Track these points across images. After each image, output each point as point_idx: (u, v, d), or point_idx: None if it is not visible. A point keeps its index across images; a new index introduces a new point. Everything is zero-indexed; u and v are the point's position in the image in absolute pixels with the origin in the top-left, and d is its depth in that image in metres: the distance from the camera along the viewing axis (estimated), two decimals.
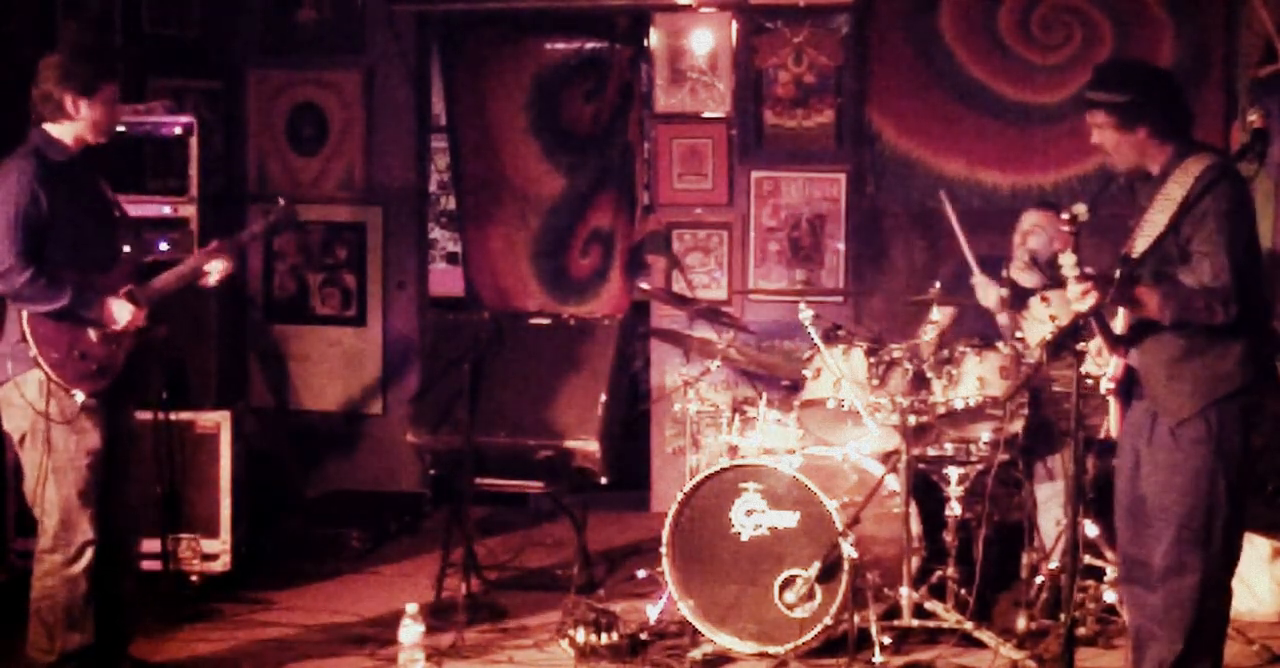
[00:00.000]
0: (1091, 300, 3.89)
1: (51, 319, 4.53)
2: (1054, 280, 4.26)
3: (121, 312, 4.62)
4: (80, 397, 4.55)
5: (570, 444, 6.12)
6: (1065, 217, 3.85)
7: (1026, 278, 5.69)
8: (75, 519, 4.58)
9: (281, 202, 5.14)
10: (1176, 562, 4.05)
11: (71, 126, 4.61)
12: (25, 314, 4.52)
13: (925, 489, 5.48)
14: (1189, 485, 4.03)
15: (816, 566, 5.03)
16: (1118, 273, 3.92)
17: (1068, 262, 3.88)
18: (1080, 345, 4.04)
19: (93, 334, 4.60)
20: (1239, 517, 4.09)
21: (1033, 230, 5.88)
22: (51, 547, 4.59)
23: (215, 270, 4.88)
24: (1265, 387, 4.09)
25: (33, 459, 4.58)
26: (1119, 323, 4.12)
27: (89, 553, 4.59)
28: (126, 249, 4.79)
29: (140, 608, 5.04)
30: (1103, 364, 4.18)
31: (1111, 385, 4.16)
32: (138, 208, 5.76)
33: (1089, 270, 3.89)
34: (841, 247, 7.14)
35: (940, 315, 5.34)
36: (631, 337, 7.02)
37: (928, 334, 5.33)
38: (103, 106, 4.61)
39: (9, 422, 4.63)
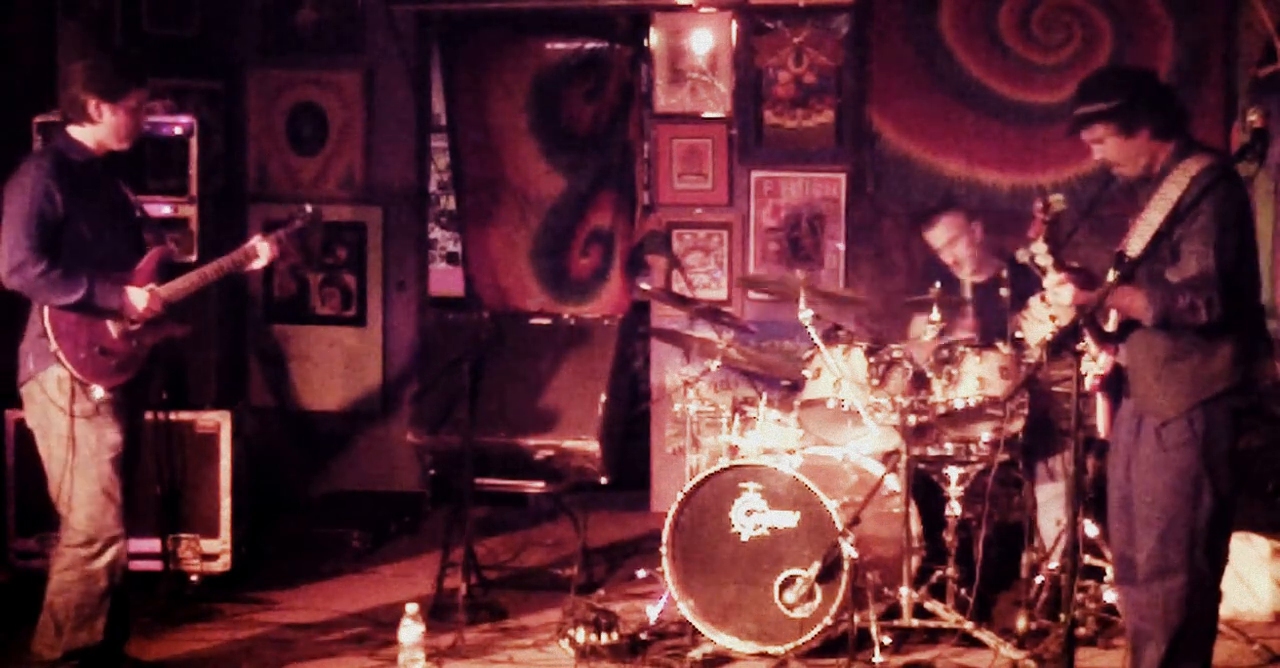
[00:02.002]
0: (1068, 291, 3.90)
1: (71, 313, 4.55)
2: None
3: (139, 299, 4.63)
4: (99, 392, 4.57)
5: (570, 444, 6.13)
6: (1038, 205, 3.86)
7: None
8: (100, 515, 4.59)
9: (309, 208, 5.11)
10: (1163, 562, 4.05)
11: (94, 130, 4.63)
12: (46, 309, 4.54)
13: (925, 489, 5.47)
14: (1175, 486, 4.02)
15: (816, 566, 5.03)
16: (1113, 273, 3.93)
17: (1040, 250, 3.88)
18: (1080, 345, 4.04)
19: (113, 329, 4.62)
20: (1227, 519, 4.09)
21: (957, 237, 5.95)
22: (76, 542, 4.60)
23: (264, 253, 4.85)
24: (1257, 388, 4.09)
25: (56, 456, 4.59)
26: (1111, 321, 4.12)
27: (113, 549, 4.60)
28: (155, 249, 4.80)
29: (132, 607, 5.03)
30: (1095, 358, 4.18)
31: (1096, 382, 4.15)
32: None
33: (1074, 264, 3.89)
34: (841, 247, 7.14)
35: (938, 315, 5.34)
36: (631, 337, 7.03)
37: (927, 334, 5.33)
38: (127, 113, 4.63)
39: (31, 418, 4.66)
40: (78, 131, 4.64)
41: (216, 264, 4.86)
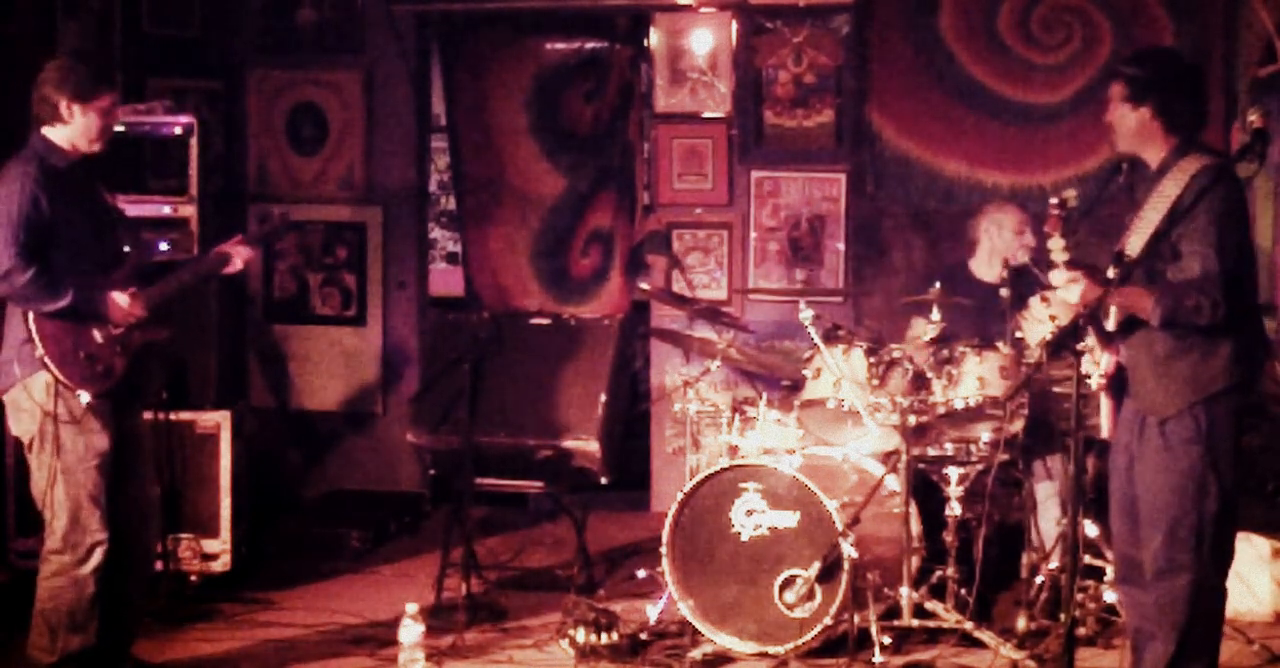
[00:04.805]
0: (1078, 288, 3.91)
1: (57, 319, 4.53)
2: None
3: (122, 302, 4.61)
4: (85, 397, 4.55)
5: (570, 444, 6.12)
6: (1054, 201, 3.89)
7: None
8: (84, 520, 4.57)
9: (277, 212, 5.14)
10: (1168, 562, 4.05)
11: (67, 131, 4.60)
12: (31, 315, 4.52)
13: (925, 489, 5.48)
14: (1179, 485, 4.03)
15: (816, 566, 5.03)
16: (1112, 270, 3.93)
17: (1056, 246, 3.89)
18: (1080, 345, 4.04)
19: (98, 335, 4.61)
20: (1231, 517, 4.09)
21: (1021, 229, 5.92)
22: (60, 548, 4.59)
23: (238, 256, 4.90)
24: (1256, 388, 4.10)
25: (42, 461, 4.57)
26: (1111, 319, 4.12)
27: (98, 554, 4.59)
28: (132, 255, 4.79)
29: (144, 608, 5.04)
30: (1097, 361, 4.18)
31: (1103, 381, 4.16)
32: (138, 208, 5.78)
33: (1090, 264, 3.90)
34: (841, 247, 7.14)
35: (938, 315, 5.33)
36: (631, 337, 7.02)
37: (927, 334, 5.32)
38: (97, 114, 4.59)
39: (18, 426, 4.63)
40: (51, 133, 4.60)
41: (192, 269, 4.90)
